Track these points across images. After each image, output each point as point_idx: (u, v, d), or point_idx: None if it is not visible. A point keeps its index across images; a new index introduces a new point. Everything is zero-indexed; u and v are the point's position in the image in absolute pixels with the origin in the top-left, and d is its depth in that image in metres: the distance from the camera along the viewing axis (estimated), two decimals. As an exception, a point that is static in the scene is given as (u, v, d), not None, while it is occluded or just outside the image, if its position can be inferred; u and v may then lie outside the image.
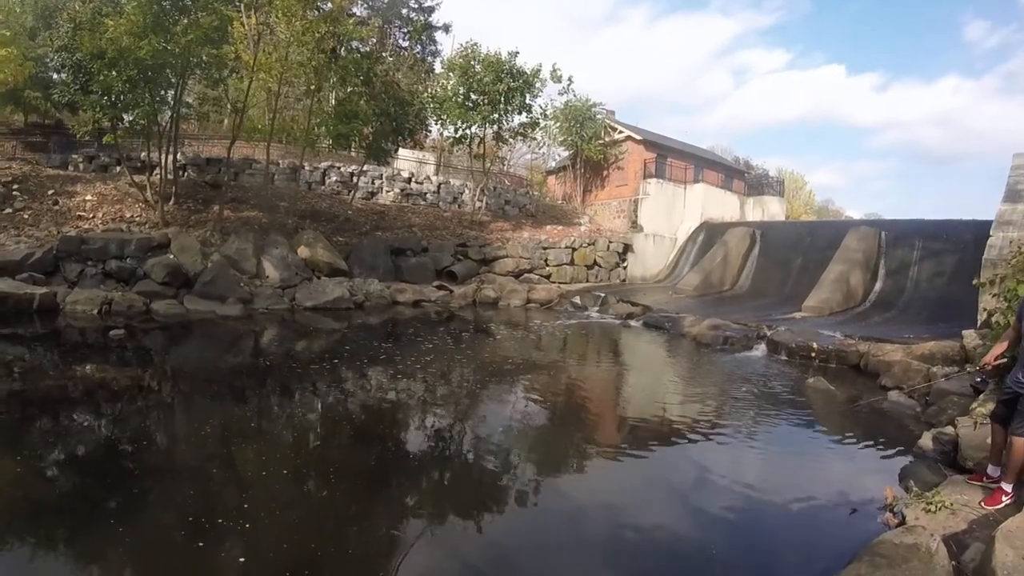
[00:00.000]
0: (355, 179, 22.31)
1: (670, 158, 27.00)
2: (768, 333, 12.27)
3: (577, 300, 18.46)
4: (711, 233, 22.72)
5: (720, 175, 29.93)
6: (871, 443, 6.70)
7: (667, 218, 24.39)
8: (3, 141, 18.69)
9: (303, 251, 16.76)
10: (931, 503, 4.49)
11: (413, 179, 24.42)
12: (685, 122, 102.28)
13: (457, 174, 27.15)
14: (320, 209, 20.36)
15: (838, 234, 17.53)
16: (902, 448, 6.31)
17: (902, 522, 4.42)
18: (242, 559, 4.09)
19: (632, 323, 15.54)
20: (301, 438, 6.78)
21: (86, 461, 5.60)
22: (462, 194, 24.97)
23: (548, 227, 23.99)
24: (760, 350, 11.84)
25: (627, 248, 23.39)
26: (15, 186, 15.44)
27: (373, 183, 23.46)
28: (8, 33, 16.29)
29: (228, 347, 11.35)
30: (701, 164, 29.18)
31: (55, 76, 17.44)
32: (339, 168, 22.83)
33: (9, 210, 14.60)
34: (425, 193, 24.34)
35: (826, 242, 17.64)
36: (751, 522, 4.95)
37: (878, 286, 15.72)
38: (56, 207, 15.30)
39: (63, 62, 15.31)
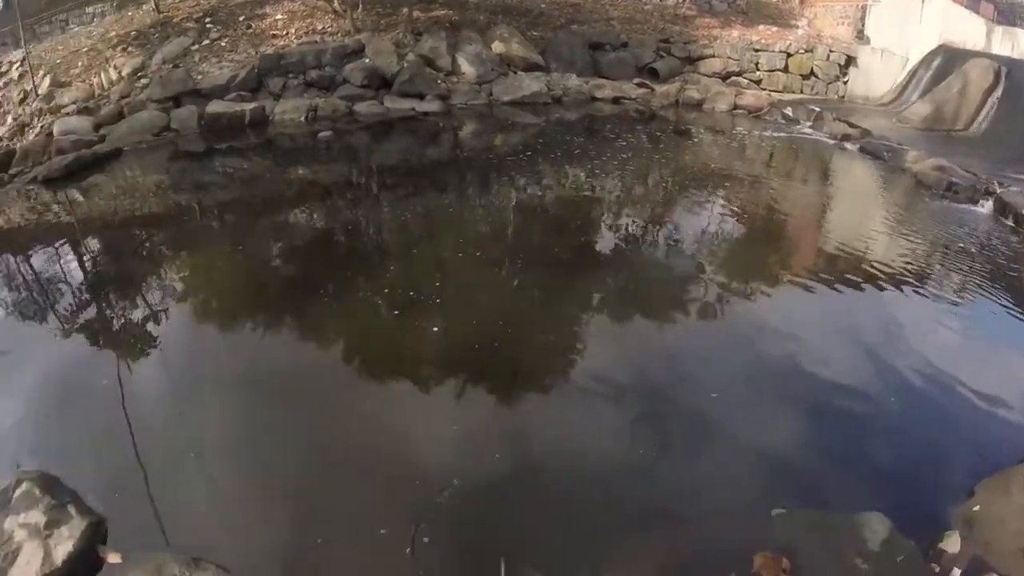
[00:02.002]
0: (551, -33, 20.79)
1: (915, -46, 21.61)
2: (998, 190, 10.24)
3: (788, 112, 16.72)
4: (949, 59, 18.46)
5: (966, -9, 23.64)
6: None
7: (899, 33, 20.08)
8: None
9: (497, 46, 16.57)
10: None
11: (613, -35, 22.21)
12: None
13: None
14: (511, 4, 19.47)
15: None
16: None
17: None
18: (435, 329, 4.63)
19: (847, 146, 13.89)
20: (495, 227, 7.30)
21: (304, 249, 6.59)
22: (666, -16, 22.41)
23: (760, 27, 21.01)
24: (986, 207, 9.95)
25: (850, 61, 19.98)
26: (207, 19, 16.27)
27: (569, -29, 21.74)
28: None
29: (428, 142, 12.09)
30: (948, -29, 23.06)
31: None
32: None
33: (207, 41, 15.50)
34: (625, -18, 22.18)
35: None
36: (930, 393, 4.67)
37: None
38: (250, 30, 15.98)
39: None
